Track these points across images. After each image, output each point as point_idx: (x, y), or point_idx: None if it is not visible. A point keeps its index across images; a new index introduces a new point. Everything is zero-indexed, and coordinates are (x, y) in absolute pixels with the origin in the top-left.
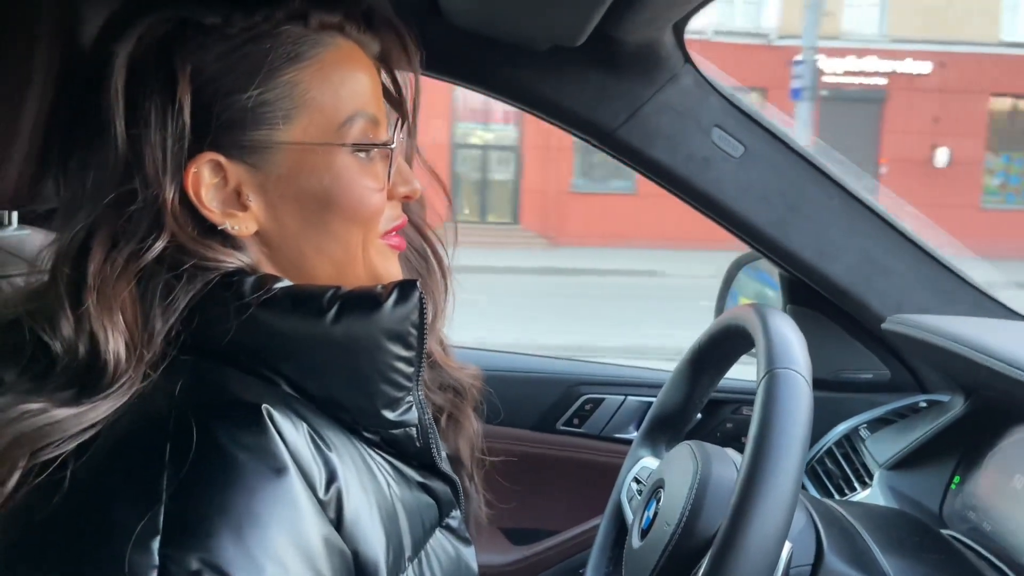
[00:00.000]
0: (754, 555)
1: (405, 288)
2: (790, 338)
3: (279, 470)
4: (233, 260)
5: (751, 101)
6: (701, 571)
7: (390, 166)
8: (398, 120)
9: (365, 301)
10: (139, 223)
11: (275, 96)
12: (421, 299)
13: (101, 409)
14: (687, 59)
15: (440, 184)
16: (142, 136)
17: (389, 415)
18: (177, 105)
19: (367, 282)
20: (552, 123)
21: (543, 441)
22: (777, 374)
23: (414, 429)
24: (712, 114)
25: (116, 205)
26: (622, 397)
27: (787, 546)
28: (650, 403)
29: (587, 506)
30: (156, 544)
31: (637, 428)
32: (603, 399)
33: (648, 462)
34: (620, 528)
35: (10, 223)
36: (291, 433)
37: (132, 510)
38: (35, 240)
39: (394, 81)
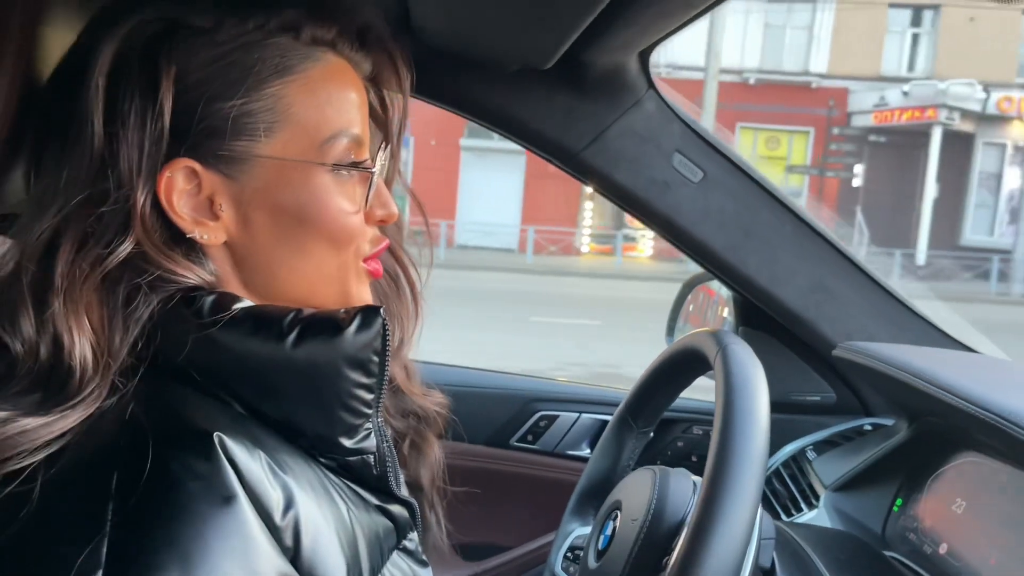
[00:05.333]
0: (744, 487)
1: (368, 314)
2: (735, 337)
3: (228, 498)
4: (192, 276)
5: (709, 128)
6: (691, 513)
7: (369, 188)
8: (383, 141)
9: (326, 326)
10: (108, 224)
11: (259, 108)
12: (384, 325)
13: (70, 419)
14: (651, 85)
15: (419, 208)
16: (119, 135)
17: (346, 442)
18: (158, 107)
19: (336, 303)
20: (518, 143)
21: (497, 457)
22: (728, 348)
23: (372, 457)
24: (673, 139)
25: (87, 204)
26: (576, 414)
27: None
28: (604, 421)
29: (539, 523)
30: None
31: (590, 445)
32: (557, 416)
33: (581, 531)
34: None
35: None
36: (244, 460)
37: (74, 542)
38: None
39: (381, 101)
